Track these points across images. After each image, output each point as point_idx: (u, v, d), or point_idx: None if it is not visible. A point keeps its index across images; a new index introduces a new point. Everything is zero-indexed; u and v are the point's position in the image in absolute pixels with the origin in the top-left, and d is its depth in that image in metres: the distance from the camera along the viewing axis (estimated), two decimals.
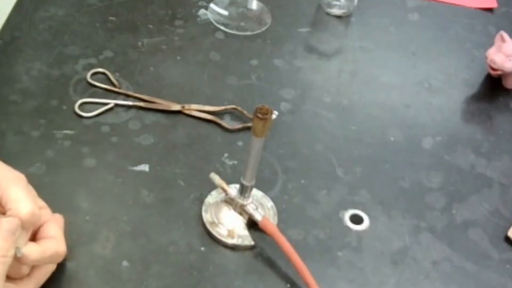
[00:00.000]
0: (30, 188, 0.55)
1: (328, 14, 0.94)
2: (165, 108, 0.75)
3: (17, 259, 0.50)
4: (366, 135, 0.77)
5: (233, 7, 0.91)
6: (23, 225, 0.50)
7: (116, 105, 0.74)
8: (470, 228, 0.69)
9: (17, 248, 0.49)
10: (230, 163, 0.70)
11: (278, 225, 0.64)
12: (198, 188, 0.67)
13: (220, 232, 0.63)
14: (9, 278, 0.51)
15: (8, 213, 0.50)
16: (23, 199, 0.51)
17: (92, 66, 0.78)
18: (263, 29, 0.89)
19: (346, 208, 0.68)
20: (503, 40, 0.82)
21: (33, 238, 0.54)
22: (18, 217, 0.50)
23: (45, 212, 0.55)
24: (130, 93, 0.76)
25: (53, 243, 0.54)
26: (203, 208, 0.65)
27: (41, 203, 0.56)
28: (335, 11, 0.94)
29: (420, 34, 0.93)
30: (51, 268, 0.56)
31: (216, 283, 0.60)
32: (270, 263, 0.62)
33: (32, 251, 0.51)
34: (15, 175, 0.53)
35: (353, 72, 0.85)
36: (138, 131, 0.72)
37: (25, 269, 0.52)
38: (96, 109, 0.73)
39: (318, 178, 0.71)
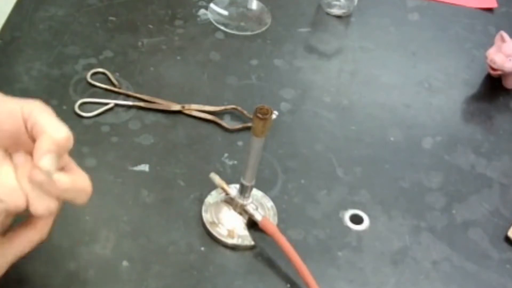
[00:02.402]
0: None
1: (328, 14, 0.94)
2: (165, 108, 0.75)
3: (48, 187, 0.47)
4: (366, 135, 0.77)
5: (233, 7, 0.91)
6: (57, 150, 0.47)
7: (116, 105, 0.74)
8: (470, 228, 0.69)
9: (49, 173, 0.46)
10: (230, 163, 0.70)
11: (278, 225, 0.64)
12: (198, 188, 0.67)
13: (220, 232, 0.63)
14: None
15: (43, 137, 0.47)
16: (58, 123, 0.49)
17: (92, 66, 0.78)
18: (263, 29, 0.89)
19: (346, 208, 0.68)
20: (503, 40, 0.82)
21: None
22: (54, 139, 0.47)
23: (65, 156, 0.52)
24: (130, 93, 0.76)
25: (82, 178, 0.51)
26: (203, 208, 0.65)
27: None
28: (335, 11, 0.94)
29: (420, 34, 0.93)
30: (40, 235, 0.52)
31: (216, 283, 0.60)
32: (270, 263, 0.62)
33: (63, 178, 0.48)
34: (42, 104, 0.50)
35: (353, 72, 0.85)
36: (138, 131, 0.72)
37: (53, 202, 0.48)
38: (96, 109, 0.73)
39: (318, 178, 0.71)
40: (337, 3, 0.94)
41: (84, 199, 0.51)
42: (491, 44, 0.84)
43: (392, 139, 0.77)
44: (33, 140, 0.48)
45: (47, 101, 0.72)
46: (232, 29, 0.88)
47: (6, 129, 0.49)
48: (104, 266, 0.59)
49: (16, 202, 0.47)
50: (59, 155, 0.48)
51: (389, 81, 0.85)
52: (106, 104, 0.74)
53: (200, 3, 0.91)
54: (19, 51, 0.78)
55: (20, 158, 0.49)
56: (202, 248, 0.63)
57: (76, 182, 0.50)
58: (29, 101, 0.50)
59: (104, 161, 0.68)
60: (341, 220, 0.67)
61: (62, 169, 0.50)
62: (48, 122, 0.48)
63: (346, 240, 0.66)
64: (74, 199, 0.51)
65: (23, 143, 0.49)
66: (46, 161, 0.46)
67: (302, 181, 0.70)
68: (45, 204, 0.48)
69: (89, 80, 0.76)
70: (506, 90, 0.87)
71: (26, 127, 0.49)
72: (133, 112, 0.74)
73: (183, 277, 0.60)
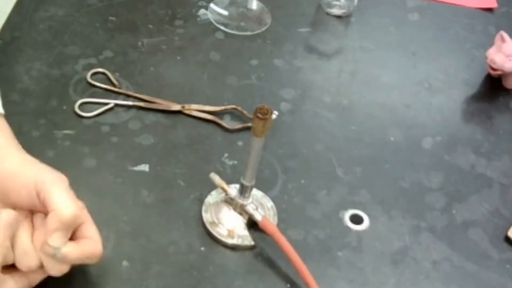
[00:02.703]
0: (70, 189, 0.55)
1: (328, 14, 0.94)
2: (165, 108, 0.75)
3: (58, 259, 0.51)
4: (366, 135, 0.77)
5: (233, 7, 0.91)
6: (64, 226, 0.51)
7: (116, 105, 0.74)
8: (470, 228, 0.69)
9: (57, 249, 0.51)
10: (230, 163, 0.70)
11: (278, 225, 0.64)
12: (198, 188, 0.67)
13: (220, 232, 0.63)
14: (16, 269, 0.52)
15: (51, 214, 0.51)
16: (66, 200, 0.52)
17: (92, 66, 0.78)
18: (263, 29, 0.89)
19: (346, 208, 0.68)
20: (503, 40, 0.82)
21: (71, 237, 0.54)
22: (61, 218, 0.51)
23: (84, 212, 0.56)
24: (130, 93, 0.76)
25: (91, 243, 0.54)
26: (203, 208, 0.65)
27: (80, 204, 0.56)
28: (335, 11, 0.94)
29: (420, 34, 0.93)
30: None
31: (216, 283, 0.60)
32: (270, 263, 0.62)
33: (72, 251, 0.52)
34: (58, 176, 0.54)
35: (353, 72, 0.85)
36: (138, 131, 0.72)
37: (64, 267, 0.53)
38: (96, 109, 0.73)
39: (318, 178, 0.71)
40: (337, 3, 0.94)
41: (94, 261, 0.55)
42: (491, 44, 0.84)
43: (392, 139, 0.77)
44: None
45: (47, 101, 0.73)
46: (232, 29, 0.88)
47: (22, 200, 0.53)
48: (104, 266, 0.59)
49: (28, 263, 0.52)
50: (67, 231, 0.52)
51: (389, 81, 0.85)
52: (106, 104, 0.74)
53: (200, 3, 0.91)
54: (19, 51, 0.78)
55: (38, 219, 0.54)
56: (202, 248, 0.63)
57: (84, 251, 0.53)
58: (45, 172, 0.54)
59: (104, 161, 0.68)
60: (341, 220, 0.67)
61: (76, 229, 0.54)
62: (56, 199, 0.52)
63: (346, 240, 0.66)
64: (85, 263, 0.55)
65: (40, 209, 0.53)
66: (53, 239, 0.51)
67: (302, 181, 0.70)
68: (57, 269, 0.53)
69: (89, 80, 0.76)
70: (506, 90, 0.87)
71: (39, 199, 0.52)
72: (133, 112, 0.74)
73: (183, 277, 0.60)
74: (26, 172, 0.54)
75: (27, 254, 0.52)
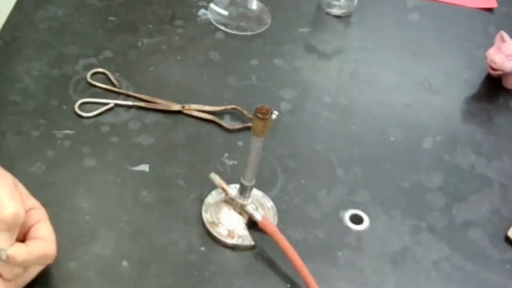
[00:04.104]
0: (20, 187, 0.54)
1: (328, 14, 0.94)
2: (165, 108, 0.75)
3: (4, 261, 0.50)
4: (366, 135, 0.77)
5: (233, 7, 0.91)
6: (6, 226, 0.49)
7: (116, 105, 0.74)
8: (470, 228, 0.69)
9: (2, 250, 0.49)
10: (230, 163, 0.70)
11: (278, 225, 0.64)
12: (198, 188, 0.67)
13: (220, 232, 0.63)
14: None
15: None
16: (7, 200, 0.50)
17: (92, 66, 0.78)
18: (263, 29, 0.89)
19: (346, 208, 0.68)
20: (503, 40, 0.82)
21: (24, 238, 0.53)
22: (1, 217, 0.49)
23: (38, 212, 0.54)
24: (130, 93, 0.76)
25: (42, 244, 0.53)
26: (203, 208, 0.65)
27: (34, 203, 0.55)
28: (335, 11, 0.94)
29: (420, 34, 0.93)
30: (36, 268, 0.55)
31: (216, 283, 0.60)
32: (270, 263, 0.62)
33: (18, 252, 0.50)
34: (1, 175, 0.52)
35: (353, 72, 0.85)
36: (138, 131, 0.72)
37: (17, 269, 0.52)
38: (96, 109, 0.73)
39: (318, 178, 0.71)
40: (337, 3, 0.94)
41: (47, 262, 0.54)
42: (491, 44, 0.84)
43: (392, 139, 0.77)
44: None
45: (47, 101, 0.73)
46: (232, 29, 0.88)
47: None
48: (104, 266, 0.59)
49: None
50: (10, 231, 0.50)
51: (389, 81, 0.85)
52: (106, 104, 0.74)
53: (200, 3, 0.91)
54: (19, 51, 0.78)
55: None
56: (202, 248, 0.63)
57: (34, 251, 0.52)
58: None
59: (104, 161, 0.68)
60: (341, 220, 0.67)
61: (29, 228, 0.53)
62: None
63: (346, 240, 0.66)
64: (37, 264, 0.53)
65: None
66: None
67: (302, 181, 0.70)
68: (10, 272, 0.51)
69: (89, 80, 0.76)
70: (506, 90, 0.87)
71: None
72: (133, 112, 0.74)
73: (183, 277, 0.60)
74: None
75: None
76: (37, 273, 0.55)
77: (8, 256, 0.49)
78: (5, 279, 0.52)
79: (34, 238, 0.53)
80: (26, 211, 0.52)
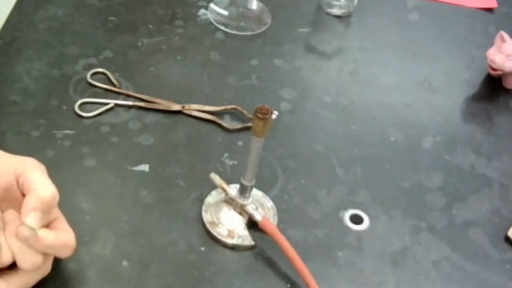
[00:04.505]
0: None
1: (328, 14, 0.94)
2: (165, 108, 0.75)
3: (31, 242, 0.50)
4: (366, 135, 0.77)
5: (233, 7, 0.91)
6: (43, 206, 0.51)
7: (116, 105, 0.74)
8: (470, 228, 0.69)
9: (33, 230, 0.49)
10: (230, 163, 0.70)
11: (278, 225, 0.64)
12: (198, 188, 0.67)
13: (220, 232, 0.63)
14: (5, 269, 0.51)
15: (30, 193, 0.51)
16: (45, 181, 0.52)
17: (92, 66, 0.78)
18: (263, 29, 0.89)
19: (346, 208, 0.68)
20: (503, 40, 0.82)
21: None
22: (40, 197, 0.50)
23: (55, 210, 0.55)
24: (130, 93, 0.76)
25: (66, 234, 0.54)
26: (203, 208, 0.65)
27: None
28: (335, 11, 0.94)
29: (420, 34, 0.94)
30: (42, 270, 0.54)
31: (216, 283, 0.60)
32: (270, 263, 0.62)
33: (47, 234, 0.51)
34: (37, 162, 0.54)
35: (353, 72, 0.85)
36: (138, 131, 0.72)
37: (38, 258, 0.51)
38: (96, 109, 0.73)
39: (318, 178, 0.71)
40: (337, 3, 0.94)
41: (68, 253, 0.54)
42: (491, 44, 0.84)
43: (392, 139, 0.77)
44: (23, 196, 0.52)
45: (47, 101, 0.73)
46: (232, 29, 0.88)
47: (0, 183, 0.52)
48: (104, 266, 0.59)
49: (1, 259, 0.50)
50: (44, 212, 0.51)
51: (389, 81, 0.85)
52: (106, 104, 0.74)
53: (200, 3, 0.91)
54: (19, 51, 0.78)
55: (10, 215, 0.52)
56: (202, 248, 0.63)
57: (60, 238, 0.53)
58: (24, 158, 0.54)
59: (104, 161, 0.68)
60: (341, 220, 0.67)
61: (49, 223, 0.54)
62: (37, 180, 0.52)
63: (346, 240, 0.66)
64: (58, 254, 0.54)
65: (14, 199, 0.53)
66: (31, 218, 0.50)
67: (302, 181, 0.70)
68: (31, 260, 0.51)
69: (89, 80, 0.76)
70: (506, 90, 0.87)
71: (17, 183, 0.52)
72: (133, 112, 0.74)
73: (183, 277, 0.60)
74: (6, 158, 0.54)
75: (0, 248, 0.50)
76: (34, 283, 0.54)
77: (37, 238, 0.50)
78: (17, 273, 0.52)
79: (56, 229, 0.54)
80: None
